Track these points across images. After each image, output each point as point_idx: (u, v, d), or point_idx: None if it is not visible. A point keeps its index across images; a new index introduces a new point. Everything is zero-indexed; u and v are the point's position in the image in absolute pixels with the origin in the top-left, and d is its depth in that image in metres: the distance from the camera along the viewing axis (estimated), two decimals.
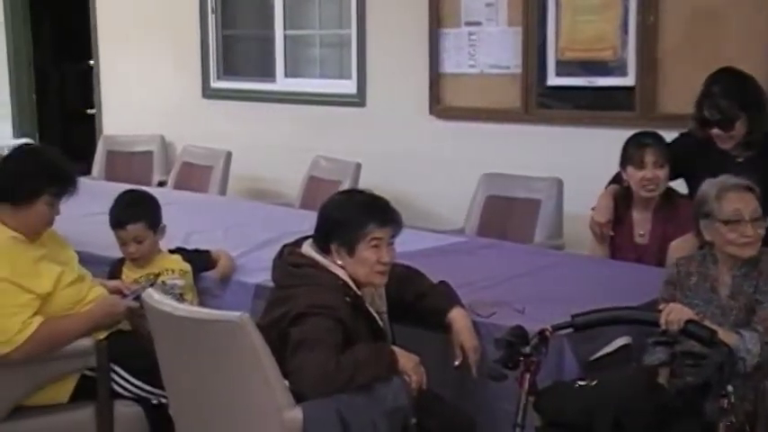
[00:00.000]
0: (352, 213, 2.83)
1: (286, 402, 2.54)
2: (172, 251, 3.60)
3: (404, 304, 2.98)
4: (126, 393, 3.16)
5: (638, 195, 3.80)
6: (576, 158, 4.85)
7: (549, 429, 2.65)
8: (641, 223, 3.83)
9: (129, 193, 3.63)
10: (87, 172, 6.48)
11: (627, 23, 4.76)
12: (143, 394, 3.16)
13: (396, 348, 2.76)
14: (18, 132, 7.67)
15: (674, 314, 2.62)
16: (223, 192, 5.84)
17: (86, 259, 3.45)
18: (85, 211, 3.85)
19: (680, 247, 3.32)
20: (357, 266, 2.80)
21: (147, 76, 6.87)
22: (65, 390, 3.14)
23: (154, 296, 2.75)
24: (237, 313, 2.54)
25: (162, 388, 2.94)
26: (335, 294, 2.74)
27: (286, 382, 2.58)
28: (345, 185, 4.98)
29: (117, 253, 3.53)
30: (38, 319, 2.99)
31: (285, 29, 6.19)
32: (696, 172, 3.52)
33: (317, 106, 6.02)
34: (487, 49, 5.21)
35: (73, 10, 7.73)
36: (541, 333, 2.59)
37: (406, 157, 5.57)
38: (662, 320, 2.62)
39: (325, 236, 2.84)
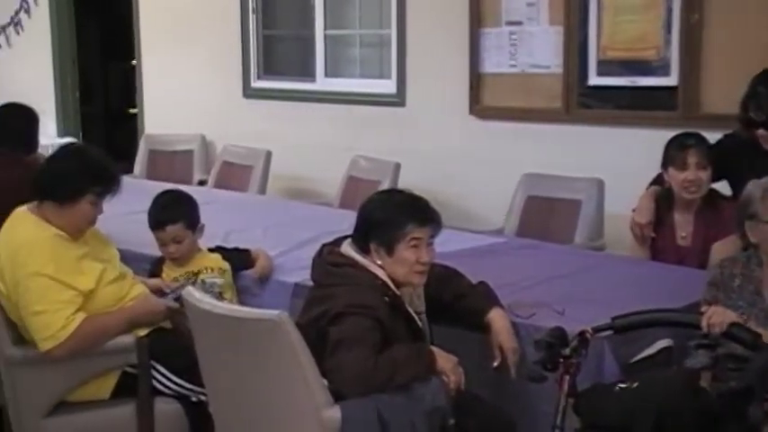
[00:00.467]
0: (391, 213, 2.83)
1: (324, 401, 2.55)
2: (211, 250, 3.62)
3: (442, 304, 2.97)
4: (166, 390, 3.18)
5: (679, 197, 3.76)
6: (618, 159, 4.81)
7: None
8: (683, 225, 3.79)
9: (166, 194, 3.65)
10: (129, 171, 6.55)
11: (670, 22, 4.71)
12: (183, 392, 3.18)
13: (434, 349, 2.76)
14: (62, 131, 7.77)
15: (716, 317, 2.59)
16: (263, 191, 5.87)
17: (128, 257, 3.49)
18: (127, 209, 3.88)
19: (723, 249, 3.28)
20: (396, 266, 2.79)
21: (188, 76, 6.92)
22: (106, 386, 3.17)
23: (194, 294, 2.76)
24: (276, 312, 2.55)
25: (201, 386, 2.96)
26: (374, 294, 2.74)
27: (324, 381, 2.58)
28: (385, 185, 4.98)
29: (158, 251, 3.56)
30: (80, 316, 3.03)
31: (325, 29, 6.20)
32: (741, 173, 3.47)
33: (356, 106, 6.02)
34: (528, 48, 5.18)
35: (117, 10, 7.82)
36: (581, 335, 2.57)
37: (445, 156, 5.56)
38: (704, 323, 2.59)
39: (364, 235, 2.85)
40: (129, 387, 3.16)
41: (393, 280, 2.80)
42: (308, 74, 6.32)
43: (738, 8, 4.57)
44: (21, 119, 4.38)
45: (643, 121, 4.81)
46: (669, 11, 4.70)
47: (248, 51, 6.56)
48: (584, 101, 5.03)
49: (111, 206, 3.27)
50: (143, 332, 3.18)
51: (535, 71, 5.19)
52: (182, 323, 3.10)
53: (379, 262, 2.81)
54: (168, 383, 3.17)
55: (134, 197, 3.79)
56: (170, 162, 6.69)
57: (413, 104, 5.75)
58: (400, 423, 2.57)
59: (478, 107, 5.43)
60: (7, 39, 8.23)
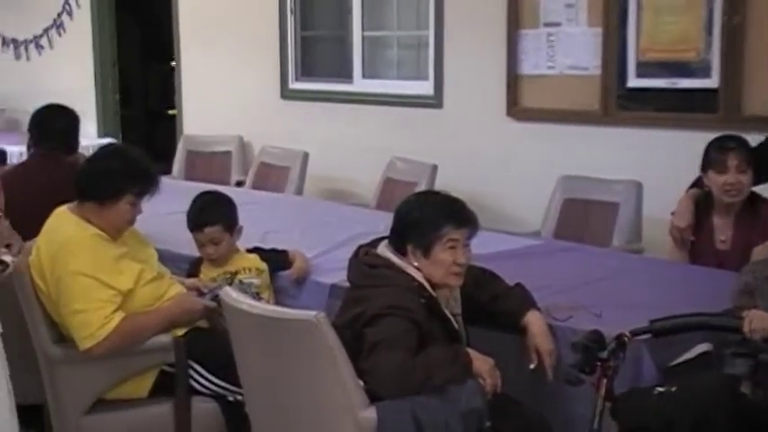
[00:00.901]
0: (428, 215, 2.83)
1: (360, 402, 2.55)
2: (249, 250, 3.64)
3: (479, 306, 2.96)
4: (203, 390, 3.20)
5: (719, 200, 3.72)
6: (657, 161, 4.77)
7: None
8: (722, 229, 3.75)
9: (205, 196, 3.67)
10: (168, 171, 6.60)
11: (711, 24, 4.66)
12: (220, 391, 3.20)
13: (470, 351, 2.75)
14: (102, 133, 7.85)
15: (758, 322, 2.55)
16: (300, 192, 5.89)
17: (166, 257, 3.52)
18: (166, 209, 3.91)
19: (763, 253, 3.24)
20: (433, 268, 2.79)
21: (226, 78, 6.97)
22: (144, 385, 3.20)
23: (231, 294, 2.78)
24: (313, 312, 2.56)
25: (238, 385, 2.97)
26: (411, 295, 2.74)
27: (360, 382, 2.58)
28: (421, 187, 4.98)
29: (196, 251, 3.59)
30: (119, 315, 3.06)
31: (363, 30, 6.21)
32: None
33: (393, 107, 6.03)
34: (566, 50, 5.15)
35: (157, 12, 7.89)
36: (619, 338, 2.55)
37: (482, 158, 5.55)
38: (746, 328, 2.56)
39: (400, 237, 2.85)
40: (166, 386, 3.19)
41: (429, 281, 2.80)
42: (346, 75, 6.33)
43: None
44: (62, 120, 4.43)
45: (683, 123, 4.77)
46: (710, 12, 4.65)
47: (286, 53, 6.59)
48: (623, 103, 5.00)
49: (149, 206, 3.30)
50: (181, 332, 3.21)
51: (573, 73, 5.16)
52: (219, 323, 3.12)
53: (415, 263, 2.81)
54: (205, 383, 3.19)
55: (172, 198, 3.82)
56: (208, 163, 6.73)
57: (450, 106, 5.74)
58: (436, 425, 2.56)
59: (516, 109, 5.41)
60: (50, 41, 8.35)
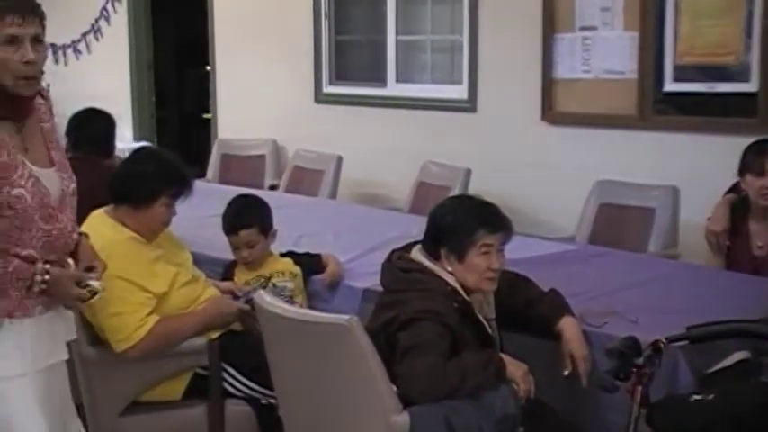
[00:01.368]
0: (462, 219, 2.82)
1: (393, 406, 2.54)
2: (283, 254, 3.65)
3: (513, 311, 2.95)
4: (237, 393, 3.21)
5: (756, 205, 3.68)
6: (694, 166, 4.73)
7: None
8: (759, 234, 3.71)
9: (240, 199, 3.69)
10: (202, 175, 6.64)
11: (751, 27, 4.60)
12: (253, 394, 3.21)
13: (504, 356, 2.74)
14: (137, 136, 7.92)
15: None
16: (333, 196, 5.90)
17: (200, 260, 3.53)
18: (200, 213, 3.93)
19: None
20: (467, 273, 2.78)
21: (260, 82, 7.00)
22: (178, 387, 3.22)
23: (265, 298, 2.79)
24: (346, 316, 2.56)
25: (272, 388, 2.98)
26: (444, 300, 2.73)
27: (393, 387, 2.58)
28: (455, 191, 4.97)
29: (230, 255, 3.60)
30: (154, 318, 3.07)
31: (397, 34, 6.21)
32: None
33: (427, 111, 6.02)
34: (602, 54, 5.12)
35: (193, 16, 7.95)
36: (655, 344, 2.52)
37: (516, 163, 5.52)
38: None
39: (434, 241, 2.84)
40: (200, 389, 3.20)
41: (463, 286, 2.79)
42: (380, 79, 6.34)
43: None
44: (99, 123, 4.47)
45: (720, 127, 4.71)
46: (750, 15, 4.60)
47: (320, 57, 6.61)
48: (660, 107, 4.95)
49: (184, 210, 3.32)
50: (215, 334, 3.22)
51: (609, 77, 5.13)
52: (252, 326, 3.13)
53: (449, 268, 2.80)
54: (239, 385, 3.20)
55: (207, 201, 3.85)
56: (242, 166, 6.76)
57: (484, 110, 5.72)
58: (469, 430, 2.55)
59: (551, 113, 5.38)
60: (87, 46, 8.44)
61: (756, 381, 2.75)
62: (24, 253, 2.39)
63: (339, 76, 6.64)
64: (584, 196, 4.78)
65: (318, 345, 2.62)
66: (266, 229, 3.53)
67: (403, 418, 2.53)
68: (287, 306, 2.82)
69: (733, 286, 3.48)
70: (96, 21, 8.27)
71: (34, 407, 2.44)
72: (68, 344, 2.62)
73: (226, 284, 3.46)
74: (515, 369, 2.69)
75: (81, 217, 3.24)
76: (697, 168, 4.70)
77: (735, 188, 3.80)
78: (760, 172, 3.62)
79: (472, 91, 5.75)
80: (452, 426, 2.54)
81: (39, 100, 2.53)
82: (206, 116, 7.74)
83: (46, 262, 2.41)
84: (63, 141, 4.48)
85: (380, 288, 2.98)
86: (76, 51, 8.56)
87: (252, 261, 3.53)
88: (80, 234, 2.59)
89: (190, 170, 3.35)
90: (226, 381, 3.20)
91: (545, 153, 5.43)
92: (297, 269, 3.58)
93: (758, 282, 3.50)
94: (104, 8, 8.13)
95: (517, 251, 3.10)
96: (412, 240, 2.97)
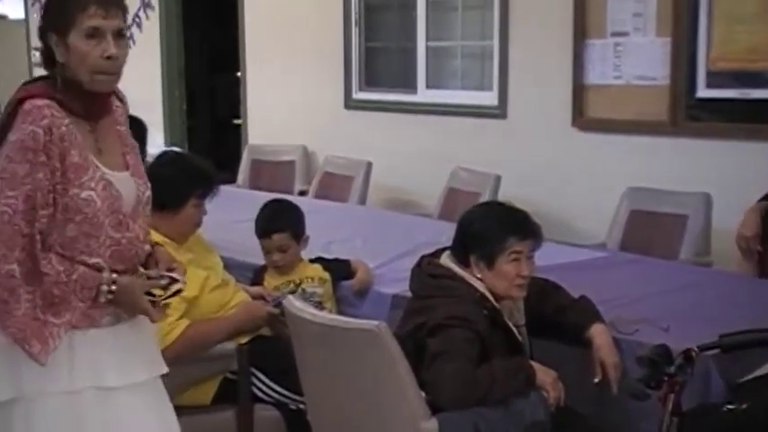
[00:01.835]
0: (491, 226, 2.81)
1: (422, 413, 2.54)
2: (312, 260, 3.65)
3: (543, 318, 2.93)
4: (266, 398, 3.22)
5: None
6: (727, 173, 4.68)
7: None
8: None
9: (275, 203, 3.70)
10: (233, 180, 6.67)
11: None
12: (282, 399, 3.21)
13: (534, 363, 2.72)
14: (169, 142, 7.97)
15: None
16: (363, 202, 5.91)
17: (230, 265, 3.55)
18: (230, 218, 3.95)
19: None
20: (496, 279, 2.77)
21: (291, 88, 7.02)
22: (207, 392, 3.23)
23: (294, 303, 2.79)
24: (375, 322, 2.56)
25: (301, 393, 2.98)
26: (473, 307, 2.72)
27: (422, 393, 2.57)
28: (485, 197, 4.95)
29: (260, 260, 3.61)
30: (184, 322, 3.08)
31: (427, 40, 6.21)
32: None
33: (457, 117, 6.01)
34: (634, 59, 5.08)
35: (224, 22, 8.00)
36: (687, 353, 2.49)
37: (546, 169, 5.50)
38: None
39: (463, 248, 2.83)
40: (229, 393, 3.21)
41: (493, 293, 2.78)
42: (410, 85, 6.34)
43: None
44: (131, 129, 4.49)
45: (754, 134, 4.66)
46: None
47: (350, 63, 6.62)
48: (693, 113, 4.90)
49: (214, 214, 3.34)
50: (244, 339, 3.23)
51: (641, 83, 5.09)
52: (282, 331, 3.14)
53: (478, 275, 2.79)
54: (268, 390, 3.21)
55: (237, 206, 3.87)
56: (272, 172, 6.78)
57: (514, 116, 5.70)
58: None
59: (582, 119, 5.35)
60: None
61: None
62: (92, 261, 2.22)
63: (369, 82, 6.65)
64: (614, 203, 4.75)
65: (347, 350, 2.62)
66: (299, 234, 3.54)
67: (431, 424, 2.52)
68: (316, 311, 2.83)
69: (766, 294, 3.44)
70: (128, 27, 8.34)
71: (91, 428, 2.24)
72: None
73: (256, 289, 3.47)
74: (545, 376, 2.67)
75: None
76: (730, 175, 4.65)
77: None
78: None
79: (502, 97, 5.73)
80: None
81: (116, 102, 2.42)
82: (236, 122, 7.78)
83: (114, 272, 2.24)
84: None
85: (410, 294, 2.98)
86: None
87: (283, 266, 3.54)
88: (152, 245, 2.42)
89: (215, 169, 3.37)
90: (255, 385, 3.21)
91: (575, 159, 5.40)
92: (326, 275, 3.58)
93: None
94: (137, 15, 8.19)
95: (547, 258, 3.09)
96: (441, 246, 2.97)
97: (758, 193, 3.81)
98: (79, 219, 2.20)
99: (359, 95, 6.64)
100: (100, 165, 2.26)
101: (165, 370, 2.43)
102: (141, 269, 2.33)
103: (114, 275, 2.24)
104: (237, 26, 7.40)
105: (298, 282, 3.52)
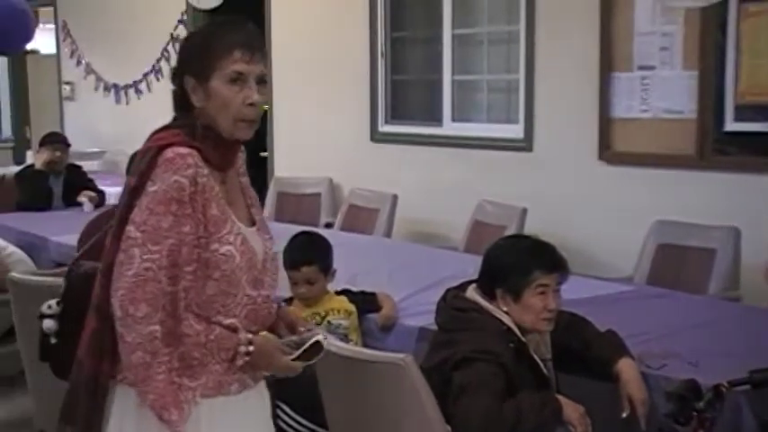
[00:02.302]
0: (517, 259, 2.81)
1: None
2: (338, 292, 3.65)
3: (570, 352, 2.91)
4: (290, 430, 3.21)
5: None
6: (756, 207, 4.64)
7: None
8: None
9: (304, 236, 3.70)
10: None
11: None
12: None
13: (560, 397, 2.70)
14: None
15: None
16: (388, 234, 5.91)
17: None
18: None
19: None
20: (523, 313, 2.76)
21: (317, 120, 7.07)
22: None
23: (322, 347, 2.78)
24: (401, 355, 2.55)
25: (326, 426, 2.97)
26: (499, 340, 2.71)
27: (448, 427, 2.55)
28: (511, 230, 4.94)
29: (287, 292, 3.61)
30: None
31: (453, 74, 6.24)
32: None
33: (483, 150, 6.01)
34: (661, 93, 5.07)
35: None
36: (716, 388, 2.47)
37: (573, 202, 5.48)
38: None
39: (490, 281, 2.82)
40: None
41: (519, 326, 2.77)
42: (435, 118, 6.36)
43: None
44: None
45: None
46: None
47: (376, 96, 6.66)
48: (720, 147, 4.88)
49: None
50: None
51: (668, 116, 5.07)
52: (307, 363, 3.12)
53: (504, 308, 2.78)
54: (293, 423, 3.20)
55: None
56: (298, 204, 6.81)
57: (540, 149, 5.70)
58: None
59: (608, 152, 5.34)
60: (148, 85, 8.63)
61: None
62: (227, 322, 2.11)
63: (395, 114, 6.67)
64: (642, 236, 4.72)
65: (373, 383, 2.61)
66: (327, 267, 3.54)
67: None
68: (341, 344, 2.82)
69: None
70: (157, 61, 8.45)
71: None
72: None
73: (292, 310, 3.43)
74: (572, 411, 2.65)
75: None
76: (758, 209, 4.61)
77: None
78: None
79: (528, 130, 5.74)
80: None
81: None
82: (263, 154, 7.82)
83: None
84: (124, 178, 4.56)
85: (435, 327, 2.97)
86: (138, 91, 8.76)
87: (309, 298, 3.53)
88: (278, 305, 2.32)
89: None
90: (280, 418, 3.19)
91: (602, 193, 5.38)
92: (352, 307, 3.58)
93: None
94: (165, 48, 8.31)
95: (574, 291, 3.07)
96: (467, 279, 2.96)
97: None
98: (218, 275, 2.08)
99: (385, 128, 6.67)
100: (234, 218, 2.14)
101: None
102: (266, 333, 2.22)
103: (250, 335, 2.13)
104: (265, 59, 7.45)
105: (323, 314, 3.52)
